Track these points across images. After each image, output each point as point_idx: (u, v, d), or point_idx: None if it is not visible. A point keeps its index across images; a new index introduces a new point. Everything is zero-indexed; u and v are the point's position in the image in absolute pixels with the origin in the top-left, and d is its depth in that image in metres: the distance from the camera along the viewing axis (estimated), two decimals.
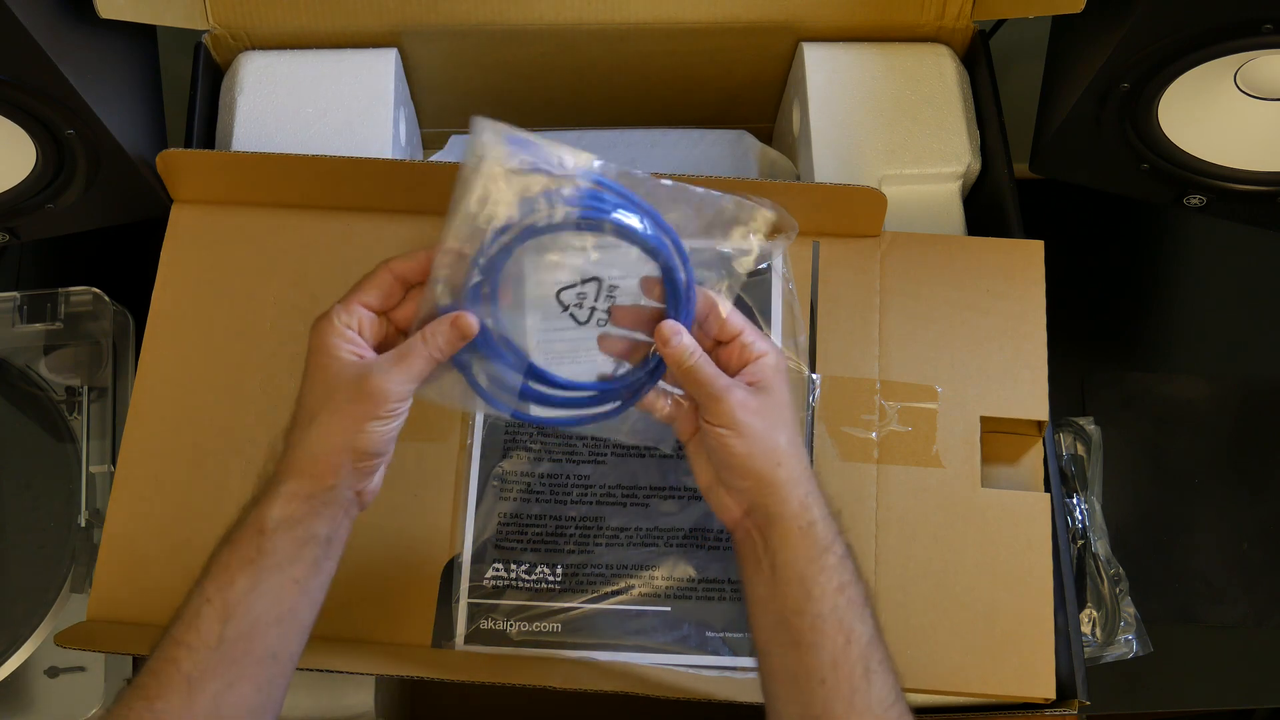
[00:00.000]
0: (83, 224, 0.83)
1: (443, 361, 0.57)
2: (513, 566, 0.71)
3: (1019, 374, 0.75)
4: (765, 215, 0.61)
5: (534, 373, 0.61)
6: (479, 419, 0.74)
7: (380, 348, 0.58)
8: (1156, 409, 1.00)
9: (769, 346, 0.60)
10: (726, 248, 0.61)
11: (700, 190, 0.60)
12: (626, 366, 0.62)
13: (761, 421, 0.58)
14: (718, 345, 0.61)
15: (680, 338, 0.58)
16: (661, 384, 0.62)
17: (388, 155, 0.84)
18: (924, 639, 0.70)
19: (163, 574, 0.71)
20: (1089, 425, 0.97)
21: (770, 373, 0.59)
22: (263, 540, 0.55)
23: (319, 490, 0.56)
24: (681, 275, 0.59)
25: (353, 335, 0.56)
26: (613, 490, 0.73)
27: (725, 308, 0.60)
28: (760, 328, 0.74)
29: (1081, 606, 0.90)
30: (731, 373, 0.60)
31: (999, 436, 0.75)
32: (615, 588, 0.71)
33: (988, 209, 0.86)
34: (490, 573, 0.71)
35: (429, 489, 0.73)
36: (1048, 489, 0.74)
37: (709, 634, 0.70)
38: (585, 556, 0.71)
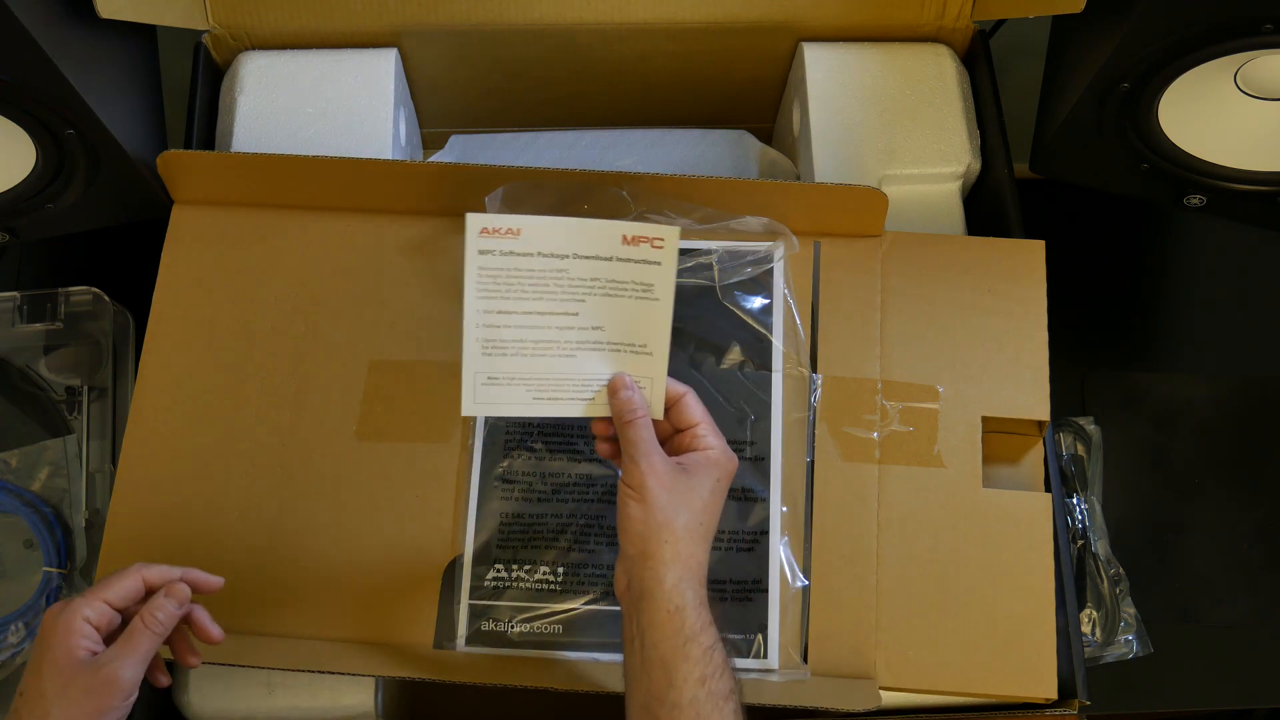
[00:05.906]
0: (83, 224, 0.83)
1: (165, 637, 0.60)
2: (513, 567, 0.71)
3: (1020, 374, 0.75)
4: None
5: None
6: (480, 419, 0.74)
7: (110, 637, 0.60)
8: (1156, 409, 1.00)
9: (719, 445, 0.63)
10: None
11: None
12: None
13: (667, 496, 0.60)
14: (676, 432, 0.65)
15: (628, 393, 0.63)
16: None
17: (388, 155, 0.84)
18: (925, 639, 0.70)
19: None
20: (1089, 425, 0.97)
21: (704, 463, 0.62)
22: None
23: None
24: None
25: (89, 630, 0.58)
26: (614, 490, 0.73)
27: (691, 402, 0.64)
28: (765, 335, 0.74)
29: (1081, 606, 0.90)
30: (673, 454, 0.63)
31: (1000, 436, 0.75)
32: None
33: (988, 209, 0.86)
34: (491, 573, 0.71)
35: (430, 489, 0.73)
36: (1048, 489, 0.74)
37: None
38: (586, 556, 0.71)
